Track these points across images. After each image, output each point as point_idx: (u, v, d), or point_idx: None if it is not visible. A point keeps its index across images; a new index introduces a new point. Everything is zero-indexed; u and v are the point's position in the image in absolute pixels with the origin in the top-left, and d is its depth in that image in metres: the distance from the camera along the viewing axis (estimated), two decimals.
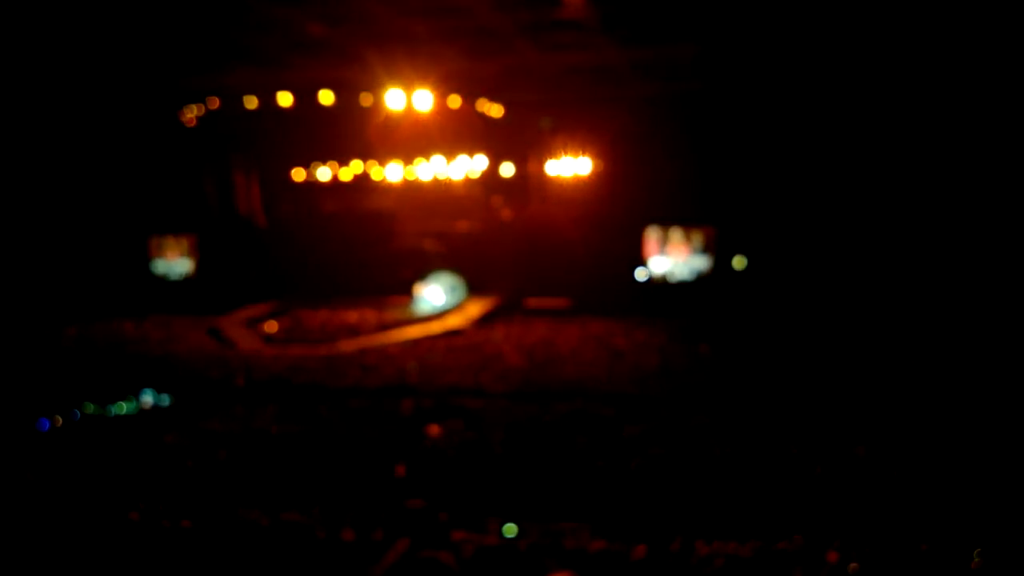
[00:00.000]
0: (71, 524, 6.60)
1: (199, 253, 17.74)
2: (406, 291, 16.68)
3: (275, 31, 12.50)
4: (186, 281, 17.73)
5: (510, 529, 6.57)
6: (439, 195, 16.97)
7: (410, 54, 12.73)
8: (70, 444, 9.80)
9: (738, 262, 15.48)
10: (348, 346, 14.49)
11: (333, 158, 17.01)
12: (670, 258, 15.87)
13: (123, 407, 12.22)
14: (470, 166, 15.86)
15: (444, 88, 15.10)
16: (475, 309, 16.12)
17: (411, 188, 16.98)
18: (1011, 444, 8.17)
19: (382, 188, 17.23)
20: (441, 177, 16.40)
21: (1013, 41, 10.81)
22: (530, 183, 16.11)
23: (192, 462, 8.94)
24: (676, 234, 15.89)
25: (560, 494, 7.88)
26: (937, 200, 12.90)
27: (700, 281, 15.70)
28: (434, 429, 10.01)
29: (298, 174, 17.48)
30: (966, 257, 12.64)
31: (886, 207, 13.23)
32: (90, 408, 11.77)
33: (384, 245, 17.61)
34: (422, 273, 16.84)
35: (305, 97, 13.83)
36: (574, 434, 9.40)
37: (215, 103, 14.55)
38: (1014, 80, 11.65)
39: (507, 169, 15.78)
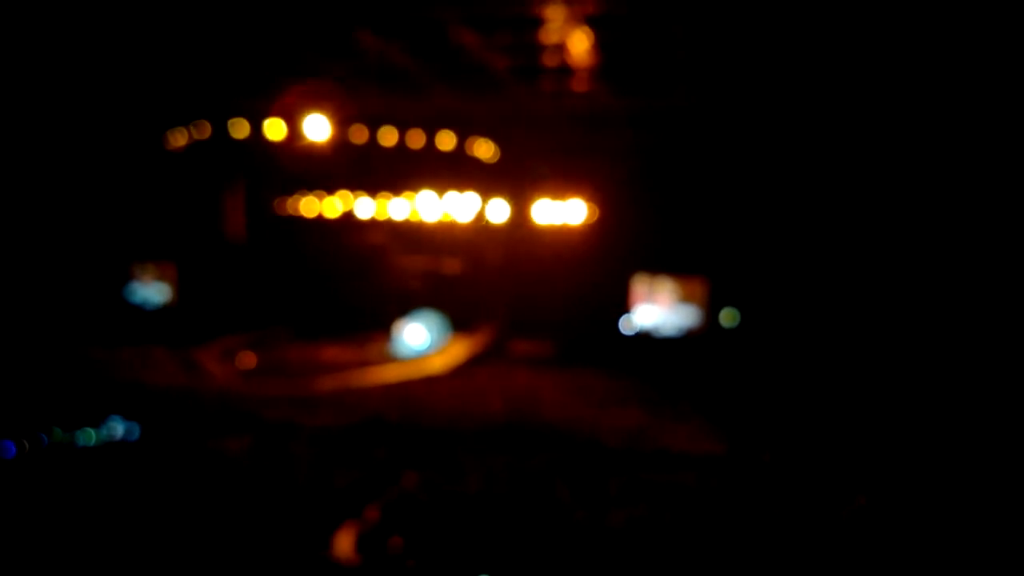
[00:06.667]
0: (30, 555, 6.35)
1: (178, 281, 17.48)
2: (389, 330, 16.47)
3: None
4: (164, 310, 17.44)
5: None
6: (427, 234, 16.84)
7: (402, 90, 12.65)
8: (35, 471, 9.52)
9: (729, 316, 15.26)
10: (326, 384, 14.21)
11: (321, 191, 16.86)
12: (657, 309, 15.67)
13: (92, 436, 11.89)
14: (460, 206, 15.76)
15: (436, 127, 15.05)
16: (458, 352, 15.89)
17: (399, 226, 16.84)
18: None
19: (369, 224, 17.07)
20: (430, 216, 16.27)
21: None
22: (518, 226, 16.00)
23: (156, 497, 8.65)
24: (665, 284, 15.69)
25: (538, 548, 7.64)
26: (958, 252, 12.36)
27: (689, 335, 15.48)
28: (409, 475, 9.75)
29: (285, 206, 17.33)
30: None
31: (897, 262, 12.79)
32: (58, 435, 11.44)
33: (369, 282, 17.43)
34: (406, 312, 16.65)
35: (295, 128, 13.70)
36: (554, 486, 9.17)
37: (205, 130, 14.39)
38: None
39: (496, 210, 15.67)
